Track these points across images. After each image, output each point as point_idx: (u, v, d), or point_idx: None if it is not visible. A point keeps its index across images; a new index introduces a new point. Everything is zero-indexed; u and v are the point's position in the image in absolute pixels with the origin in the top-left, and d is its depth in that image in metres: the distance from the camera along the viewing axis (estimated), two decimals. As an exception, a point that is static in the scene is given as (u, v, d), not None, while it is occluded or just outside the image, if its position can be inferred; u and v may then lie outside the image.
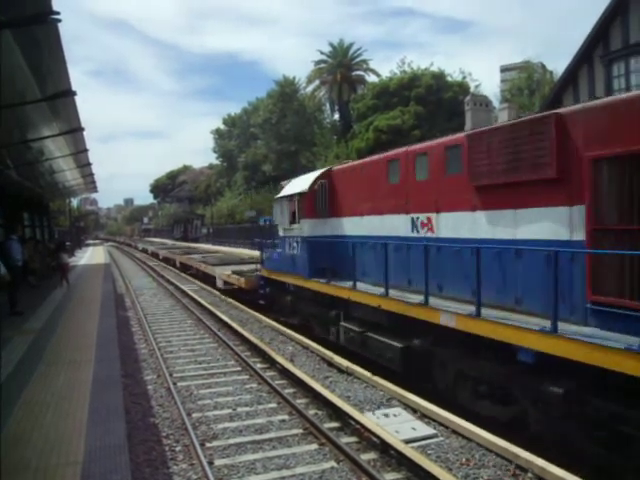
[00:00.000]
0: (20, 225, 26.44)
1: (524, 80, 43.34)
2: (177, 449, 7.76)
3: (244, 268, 22.87)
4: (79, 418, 6.97)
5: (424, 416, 8.63)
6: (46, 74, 10.02)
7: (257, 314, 17.87)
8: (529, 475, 6.57)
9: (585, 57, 20.87)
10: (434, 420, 8.43)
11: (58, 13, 6.50)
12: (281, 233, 15.86)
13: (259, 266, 18.63)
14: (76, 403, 7.56)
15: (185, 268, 34.47)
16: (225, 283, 22.42)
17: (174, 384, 10.68)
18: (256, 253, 31.82)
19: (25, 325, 13.29)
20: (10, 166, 18.30)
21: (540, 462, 6.55)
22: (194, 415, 9.02)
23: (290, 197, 15.05)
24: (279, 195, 16.40)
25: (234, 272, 21.80)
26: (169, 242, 70.10)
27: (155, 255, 52.21)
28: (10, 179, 19.70)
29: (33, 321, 14.03)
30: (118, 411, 7.33)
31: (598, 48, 20.48)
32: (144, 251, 62.27)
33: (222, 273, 22.95)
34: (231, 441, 7.95)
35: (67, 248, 31.78)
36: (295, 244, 14.57)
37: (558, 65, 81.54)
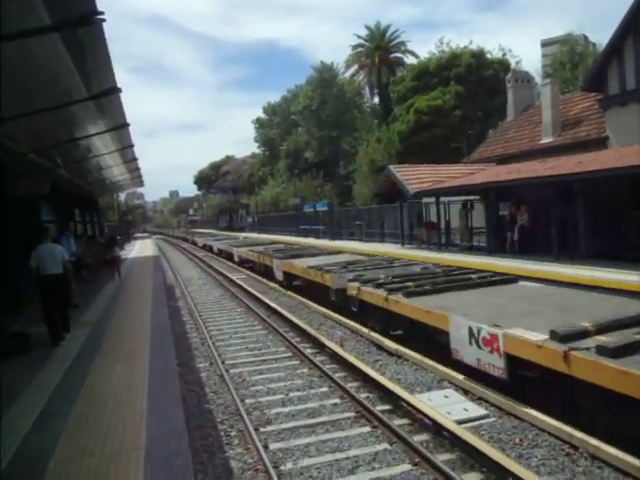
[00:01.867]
0: (72, 221, 27.16)
1: (566, 53, 42.32)
2: (232, 434, 7.96)
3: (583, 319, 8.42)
4: (139, 406, 7.20)
5: (475, 397, 8.63)
6: (91, 73, 10.22)
7: (306, 300, 17.98)
8: (584, 454, 6.53)
9: (630, 27, 19.58)
10: (486, 401, 8.42)
11: (102, 13, 6.67)
12: None
13: None
14: (135, 391, 7.81)
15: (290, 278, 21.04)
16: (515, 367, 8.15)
17: (226, 371, 10.90)
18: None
19: (81, 318, 13.71)
20: (60, 164, 18.80)
21: (594, 441, 6.50)
22: (247, 401, 9.21)
23: None
24: None
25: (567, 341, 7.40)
26: (240, 235, 53.60)
27: (225, 255, 37.04)
28: (60, 177, 20.25)
29: (89, 314, 14.47)
30: (176, 398, 7.55)
31: (645, 16, 19.62)
32: (206, 248, 47.53)
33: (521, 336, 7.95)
34: (284, 425, 8.10)
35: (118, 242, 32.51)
36: None
37: (602, 37, 78.98)
